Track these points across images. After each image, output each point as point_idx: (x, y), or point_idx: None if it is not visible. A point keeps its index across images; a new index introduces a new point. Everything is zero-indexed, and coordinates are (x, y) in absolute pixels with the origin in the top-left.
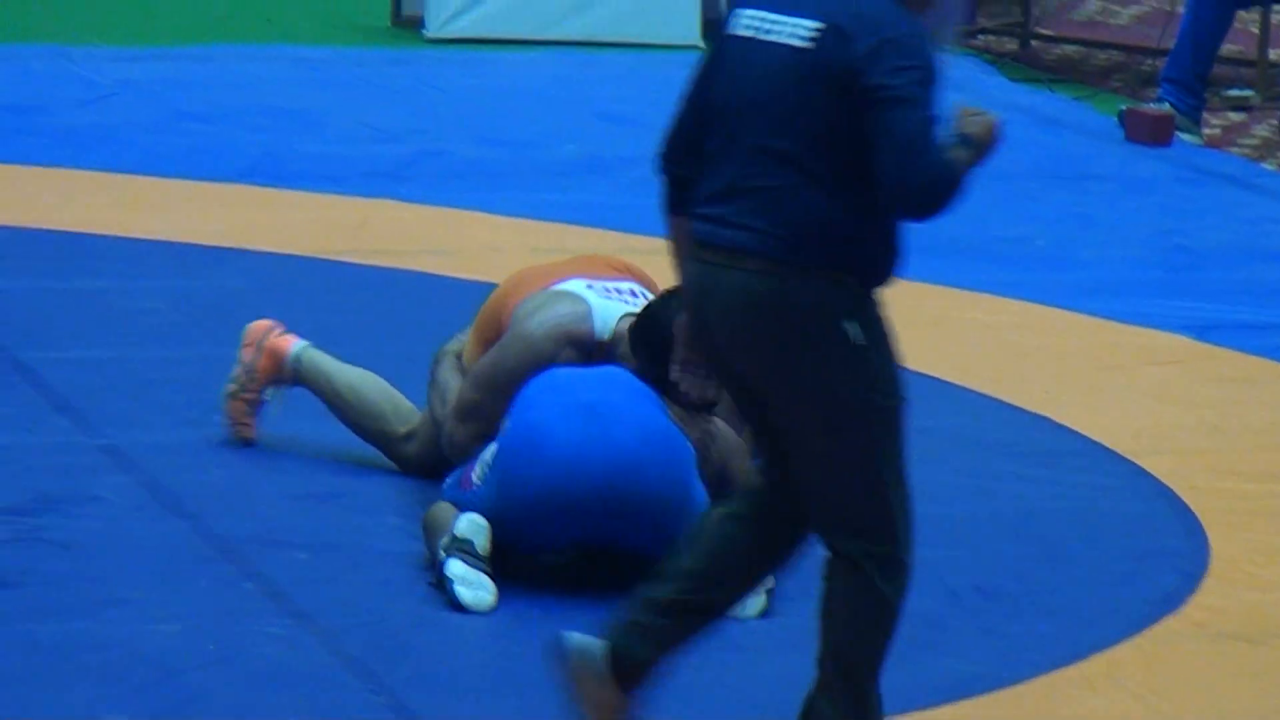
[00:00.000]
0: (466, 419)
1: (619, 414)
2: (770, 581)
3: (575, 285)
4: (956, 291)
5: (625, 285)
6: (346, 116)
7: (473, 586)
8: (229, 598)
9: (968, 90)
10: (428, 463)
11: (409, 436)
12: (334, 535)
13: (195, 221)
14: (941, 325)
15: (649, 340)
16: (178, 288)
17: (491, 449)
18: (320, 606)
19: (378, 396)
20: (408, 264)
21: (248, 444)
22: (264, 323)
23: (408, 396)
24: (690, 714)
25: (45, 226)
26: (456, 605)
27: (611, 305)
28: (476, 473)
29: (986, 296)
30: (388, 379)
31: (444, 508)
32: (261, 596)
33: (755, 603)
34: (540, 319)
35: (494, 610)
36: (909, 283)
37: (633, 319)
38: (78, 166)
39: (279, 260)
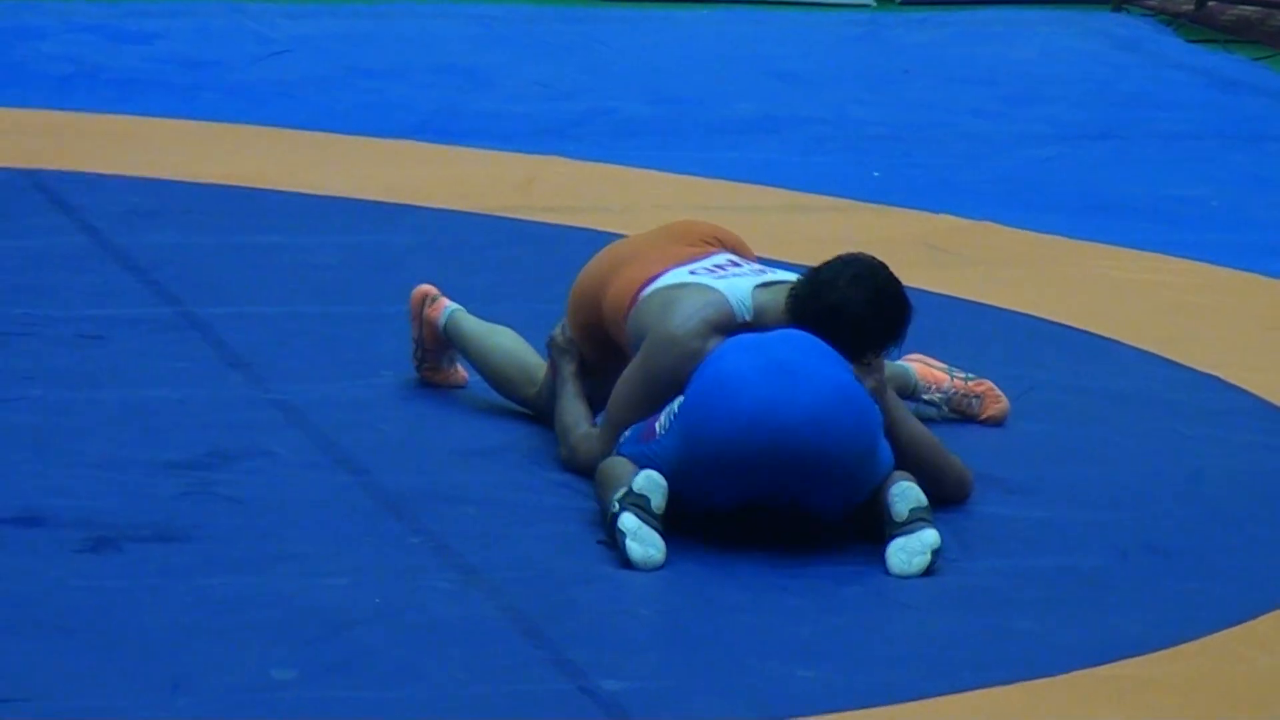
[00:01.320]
0: (620, 429)
1: (811, 372)
2: (936, 540)
3: (679, 276)
4: (1130, 252)
5: (722, 259)
6: (518, 74)
7: (644, 543)
8: (397, 553)
9: (1141, 52)
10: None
11: (538, 396)
12: (502, 491)
13: (367, 177)
14: (1114, 285)
15: (817, 310)
16: (349, 243)
17: (676, 402)
18: (487, 562)
19: (505, 361)
20: (576, 220)
21: (458, 387)
22: (421, 291)
23: None
24: (859, 671)
25: (219, 181)
26: (625, 561)
27: (735, 282)
28: (660, 422)
29: (1160, 257)
30: (545, 327)
31: (620, 462)
32: (429, 552)
33: (919, 560)
34: (680, 318)
35: (662, 568)
36: (1082, 243)
37: (789, 290)
38: (252, 122)
39: (449, 216)
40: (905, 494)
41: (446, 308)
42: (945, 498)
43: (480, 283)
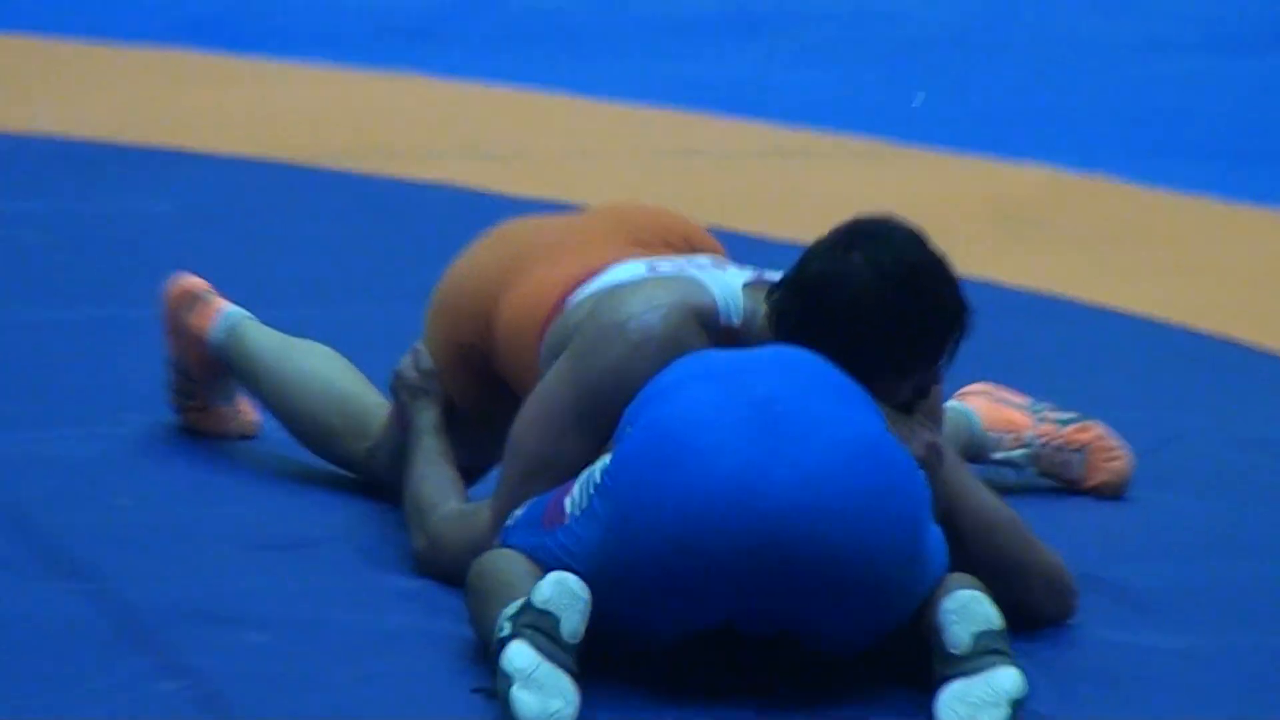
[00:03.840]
0: (529, 490)
1: (814, 418)
2: (1017, 685)
3: (633, 270)
4: None
5: (703, 260)
6: None
7: (542, 692)
8: (140, 705)
9: None
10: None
11: (371, 456)
12: (312, 607)
13: (99, 107)
14: None
15: (806, 297)
16: (72, 211)
17: (600, 464)
18: None
19: (319, 401)
20: (436, 173)
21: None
22: (182, 287)
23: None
24: None
25: None
26: None
27: (720, 276)
28: (574, 497)
29: None
30: (392, 346)
31: (510, 559)
32: (191, 706)
33: (991, 718)
34: (640, 303)
35: None
36: (1243, 207)
37: (777, 290)
38: None
39: (235, 168)
40: (969, 611)
41: (223, 314)
42: (1033, 615)
43: (285, 274)
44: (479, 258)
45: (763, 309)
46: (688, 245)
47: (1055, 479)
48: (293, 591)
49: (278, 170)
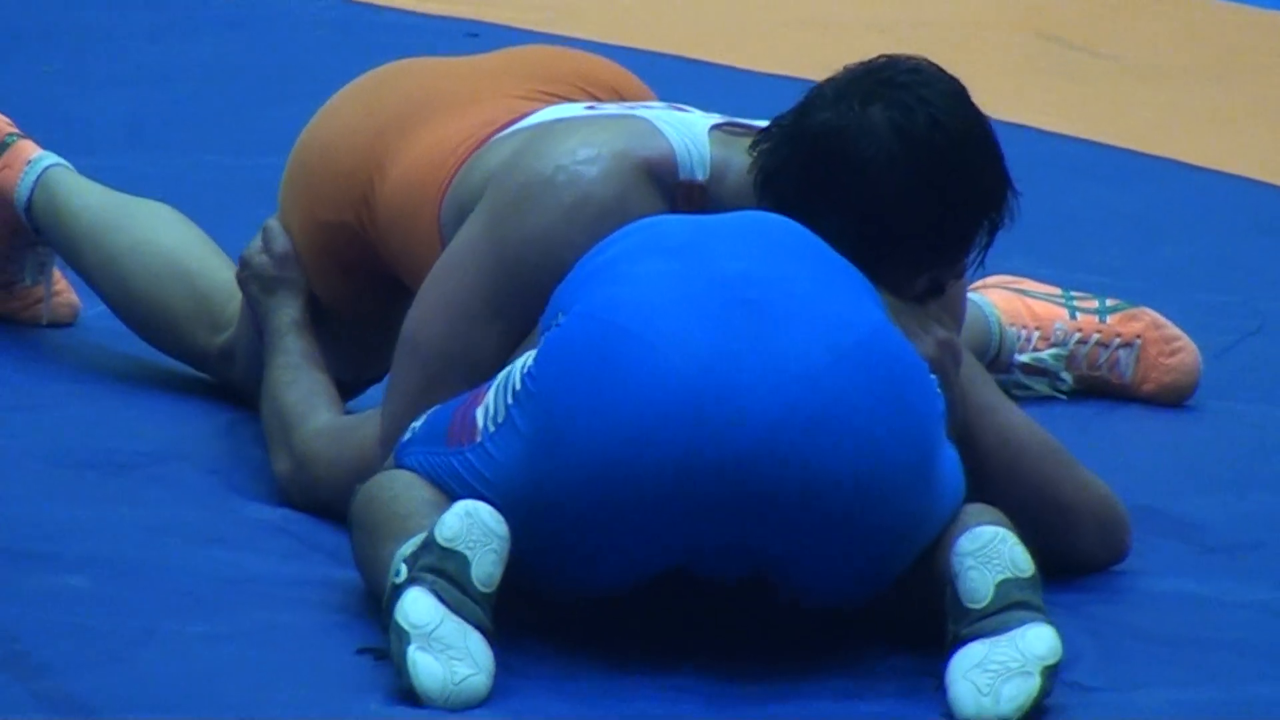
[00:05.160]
0: (429, 399)
1: (791, 302)
2: (1051, 647)
3: (563, 111)
4: None
5: (640, 107)
6: None
7: (447, 653)
8: None
9: None
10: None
11: (226, 353)
12: (146, 542)
13: None
14: None
15: (805, 157)
16: None
17: (521, 363)
18: (105, 697)
19: (161, 278)
20: None
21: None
22: None
23: None
24: None
25: None
26: (409, 691)
27: (677, 117)
28: (489, 405)
29: None
30: (252, 206)
31: (403, 482)
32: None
33: (1018, 692)
34: (572, 146)
35: (483, 704)
36: None
37: (767, 141)
38: None
39: None
40: (990, 554)
41: (35, 162)
42: (1076, 559)
43: (110, 110)
44: (349, 112)
45: (738, 161)
46: (616, 97)
47: (1098, 384)
48: (121, 523)
49: None
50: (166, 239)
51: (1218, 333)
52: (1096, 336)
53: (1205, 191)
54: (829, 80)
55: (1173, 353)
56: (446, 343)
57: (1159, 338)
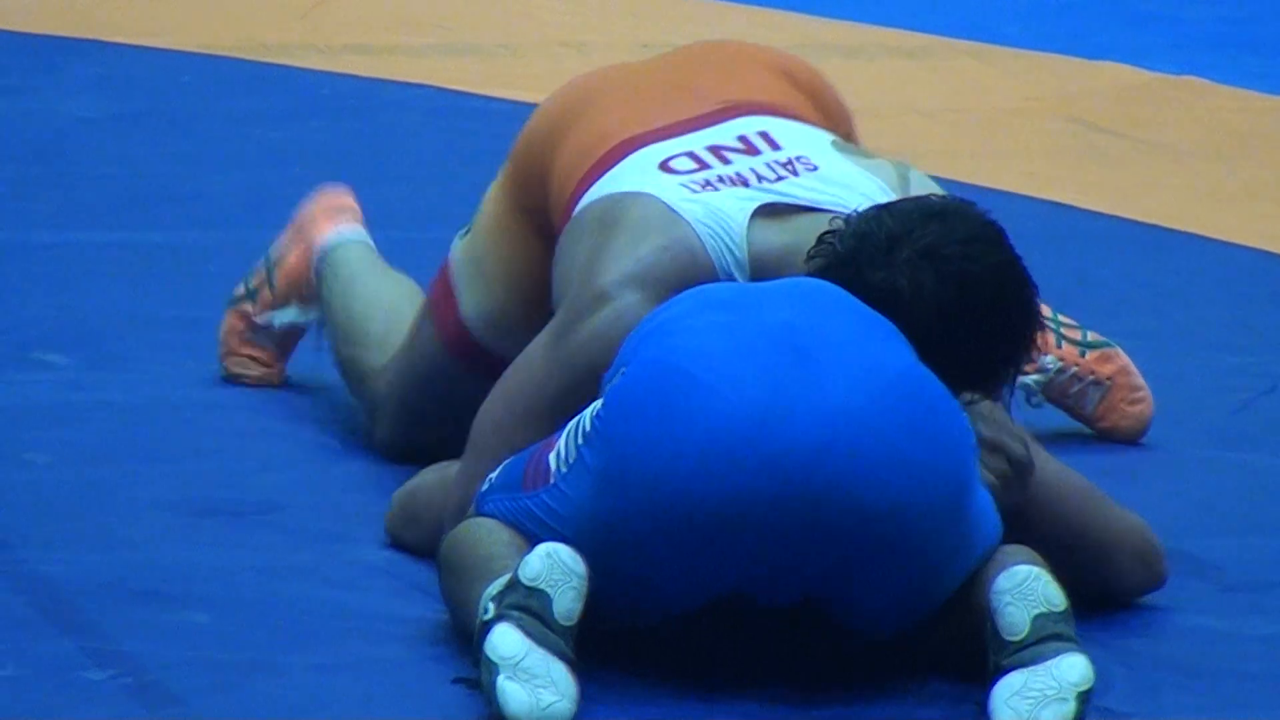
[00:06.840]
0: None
1: (835, 346)
2: (1085, 675)
3: (642, 170)
4: None
5: (730, 130)
6: None
7: (533, 682)
8: (66, 696)
9: None
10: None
11: (382, 371)
12: (255, 582)
13: None
14: None
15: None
16: None
17: (590, 410)
18: None
19: (376, 316)
20: (406, 72)
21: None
22: (328, 201)
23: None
24: None
25: None
26: (499, 718)
27: (723, 199)
28: (560, 451)
29: None
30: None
31: (485, 528)
32: (124, 695)
33: (1055, 716)
34: (624, 269)
35: None
36: None
37: (823, 234)
38: None
39: (160, 63)
40: (1026, 591)
41: (339, 230)
42: (1118, 589)
43: (239, 189)
44: (544, 106)
45: (781, 247)
46: (797, 83)
47: (1060, 408)
48: (239, 565)
49: (222, 64)
50: (399, 300)
51: (1234, 391)
52: (1074, 370)
53: (1223, 263)
54: (881, 219)
55: (1134, 401)
56: (526, 406)
57: (1127, 384)
